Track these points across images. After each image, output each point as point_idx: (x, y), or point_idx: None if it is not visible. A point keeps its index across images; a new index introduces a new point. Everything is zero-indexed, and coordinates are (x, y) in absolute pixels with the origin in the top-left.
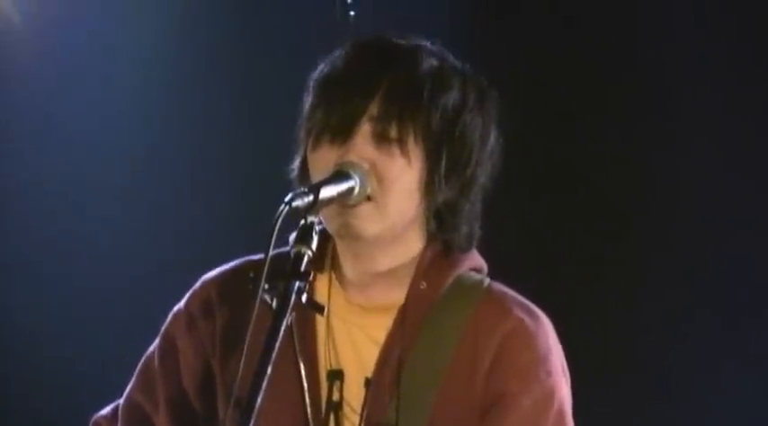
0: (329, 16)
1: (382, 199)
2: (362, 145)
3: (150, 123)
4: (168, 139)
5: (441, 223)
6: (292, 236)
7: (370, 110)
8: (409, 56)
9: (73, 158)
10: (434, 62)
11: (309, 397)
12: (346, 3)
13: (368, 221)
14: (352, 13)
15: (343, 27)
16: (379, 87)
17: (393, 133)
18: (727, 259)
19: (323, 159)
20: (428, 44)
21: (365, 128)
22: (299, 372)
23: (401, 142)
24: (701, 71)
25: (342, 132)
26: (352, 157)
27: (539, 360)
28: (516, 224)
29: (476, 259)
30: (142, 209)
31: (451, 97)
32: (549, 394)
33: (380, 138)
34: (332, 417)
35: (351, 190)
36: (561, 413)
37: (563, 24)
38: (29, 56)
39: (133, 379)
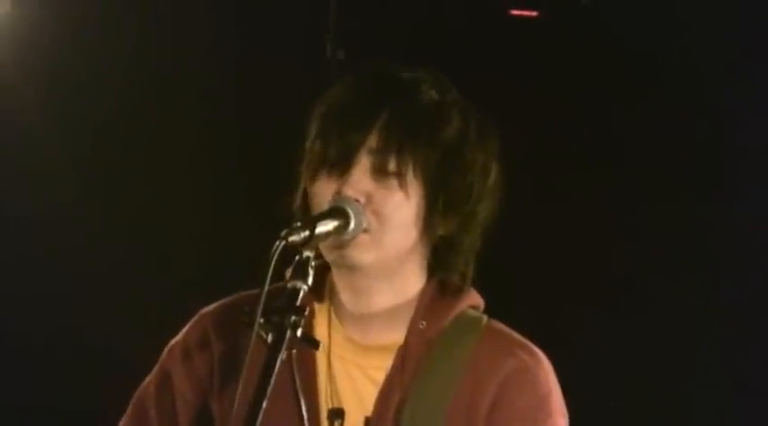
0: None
1: (379, 232)
2: (360, 178)
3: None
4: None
5: (439, 258)
6: (289, 271)
7: (369, 143)
8: (409, 88)
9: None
10: (435, 95)
11: None
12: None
13: (364, 251)
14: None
15: (333, 65)
16: (377, 120)
17: (392, 166)
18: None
19: (321, 191)
20: (429, 76)
21: (363, 161)
22: (300, 409)
23: (399, 175)
24: None
25: (339, 165)
26: (349, 191)
27: (539, 402)
28: (514, 259)
29: (474, 296)
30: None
31: (452, 131)
32: None
33: (379, 172)
34: None
35: (346, 225)
36: None
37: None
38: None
39: (127, 413)
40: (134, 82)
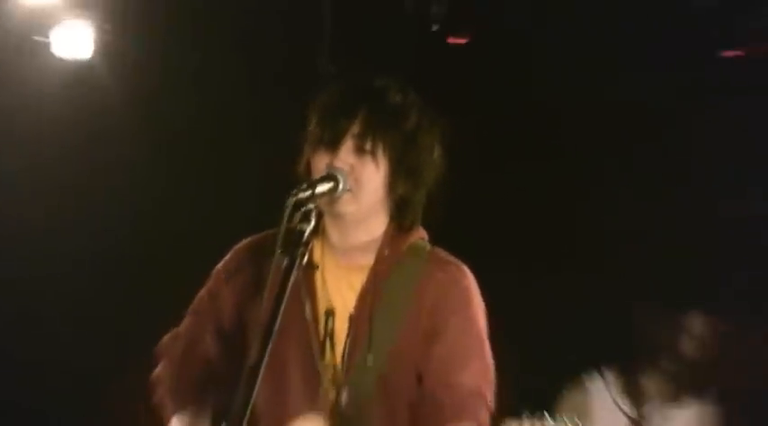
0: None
1: (358, 192)
2: (346, 154)
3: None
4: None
5: (398, 209)
6: (297, 217)
7: (353, 129)
8: (381, 92)
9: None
10: (400, 97)
11: (312, 327)
12: (326, 57)
13: (347, 205)
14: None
15: (325, 77)
16: (359, 113)
17: (368, 147)
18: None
19: (319, 162)
20: (396, 83)
21: (348, 143)
22: (304, 310)
23: (373, 154)
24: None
25: (332, 144)
26: (338, 163)
27: (465, 298)
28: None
29: (421, 232)
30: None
31: (410, 123)
32: (472, 319)
33: (359, 150)
34: (327, 341)
35: (336, 186)
36: (480, 333)
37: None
38: None
39: (184, 321)
40: (141, 86)
